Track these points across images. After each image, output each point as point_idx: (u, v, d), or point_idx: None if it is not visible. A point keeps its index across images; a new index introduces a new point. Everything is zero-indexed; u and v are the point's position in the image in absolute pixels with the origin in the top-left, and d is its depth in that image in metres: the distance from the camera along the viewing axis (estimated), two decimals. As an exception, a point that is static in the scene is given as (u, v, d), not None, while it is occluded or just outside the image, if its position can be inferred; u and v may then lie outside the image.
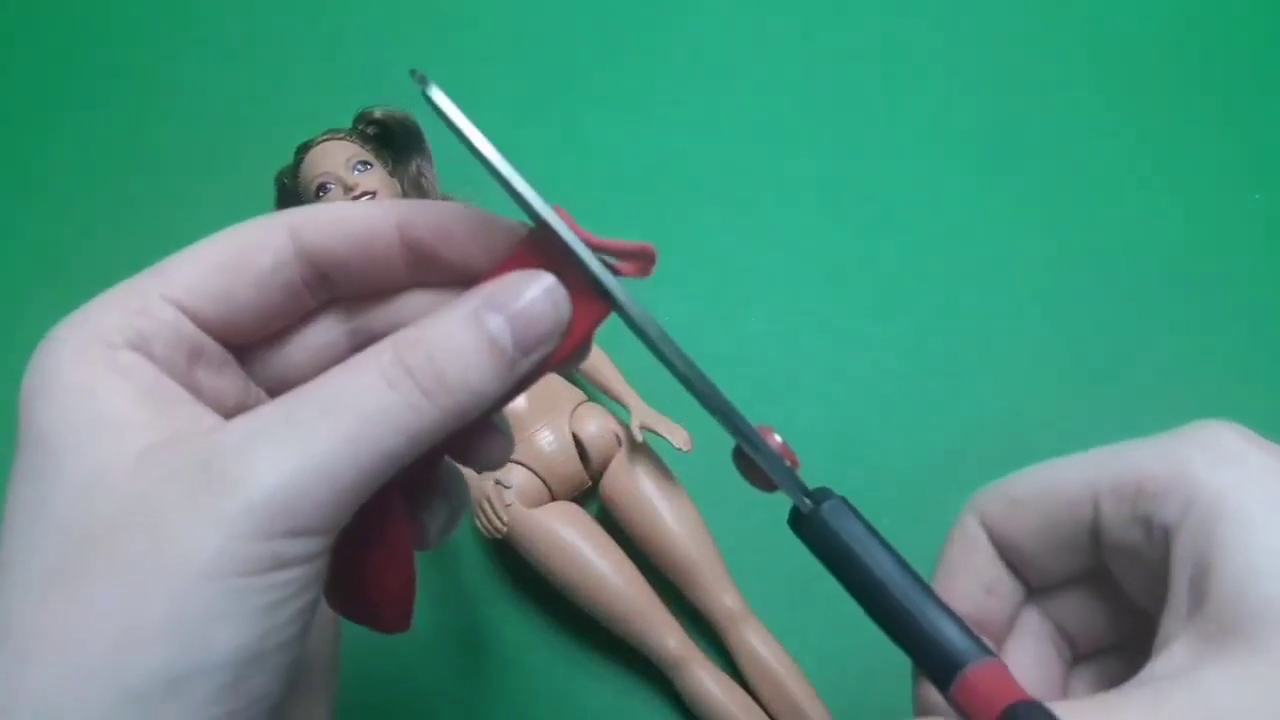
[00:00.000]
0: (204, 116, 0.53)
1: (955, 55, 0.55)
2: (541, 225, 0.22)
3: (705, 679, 0.38)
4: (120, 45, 0.56)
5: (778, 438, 0.25)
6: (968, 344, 0.47)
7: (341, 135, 0.45)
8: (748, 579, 0.40)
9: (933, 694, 0.24)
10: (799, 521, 0.25)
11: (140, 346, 0.22)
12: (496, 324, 0.21)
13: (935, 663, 0.22)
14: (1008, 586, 0.26)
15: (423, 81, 0.22)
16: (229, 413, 0.23)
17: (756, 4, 0.57)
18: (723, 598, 0.40)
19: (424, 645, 0.41)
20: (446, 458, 0.26)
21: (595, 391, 0.43)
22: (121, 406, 0.21)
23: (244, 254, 0.23)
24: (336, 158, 0.44)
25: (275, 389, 0.25)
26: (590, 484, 0.42)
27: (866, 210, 0.51)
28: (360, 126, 0.46)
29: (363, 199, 0.43)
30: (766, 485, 0.25)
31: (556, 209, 0.22)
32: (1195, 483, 0.22)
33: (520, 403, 0.42)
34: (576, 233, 0.22)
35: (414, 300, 0.25)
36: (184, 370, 0.22)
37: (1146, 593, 0.23)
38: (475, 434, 0.25)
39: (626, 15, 0.56)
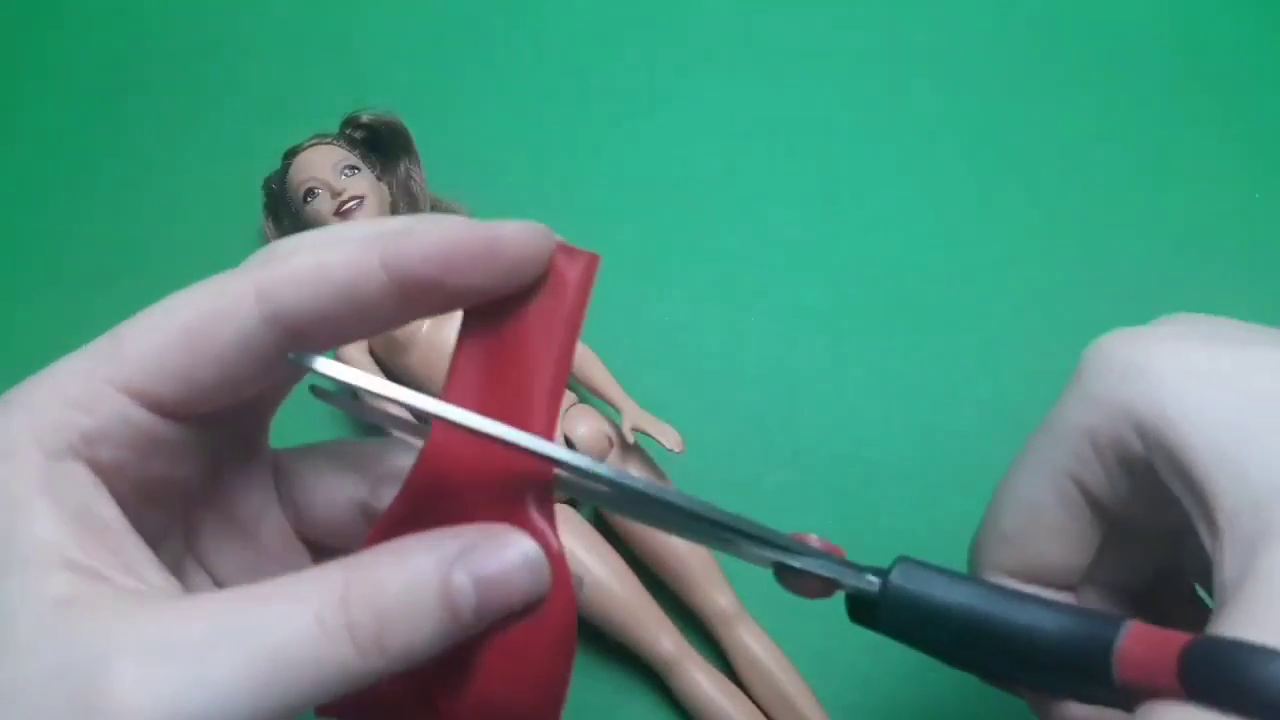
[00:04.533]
0: (191, 122, 0.53)
1: (956, 55, 0.55)
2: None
3: (701, 679, 0.38)
4: (110, 50, 0.56)
5: (815, 539, 0.24)
6: (968, 344, 0.47)
7: (329, 140, 0.45)
8: (742, 579, 0.40)
9: (1070, 710, 0.23)
10: (868, 608, 0.23)
11: (83, 451, 0.20)
12: (462, 585, 0.19)
13: (1079, 664, 0.21)
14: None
15: (298, 359, 0.20)
16: (190, 495, 0.22)
17: (757, 4, 0.56)
18: (717, 598, 0.39)
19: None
20: None
21: (586, 393, 0.43)
22: (48, 541, 0.18)
23: (204, 327, 0.20)
24: (324, 162, 0.44)
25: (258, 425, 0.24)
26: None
27: (866, 210, 0.50)
28: (347, 131, 0.46)
29: (350, 204, 0.43)
30: (820, 591, 0.23)
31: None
32: (1134, 409, 0.22)
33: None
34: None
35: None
36: (136, 468, 0.21)
37: (1169, 518, 0.23)
38: None
39: (626, 15, 0.56)
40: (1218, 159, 0.51)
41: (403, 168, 0.46)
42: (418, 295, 0.20)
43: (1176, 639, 0.20)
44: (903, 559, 0.23)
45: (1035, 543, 0.25)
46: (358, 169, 0.44)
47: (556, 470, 0.21)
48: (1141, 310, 0.47)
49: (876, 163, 0.52)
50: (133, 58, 0.56)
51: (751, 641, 0.39)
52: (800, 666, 0.38)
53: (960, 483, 0.43)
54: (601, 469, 0.21)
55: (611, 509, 0.22)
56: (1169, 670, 0.19)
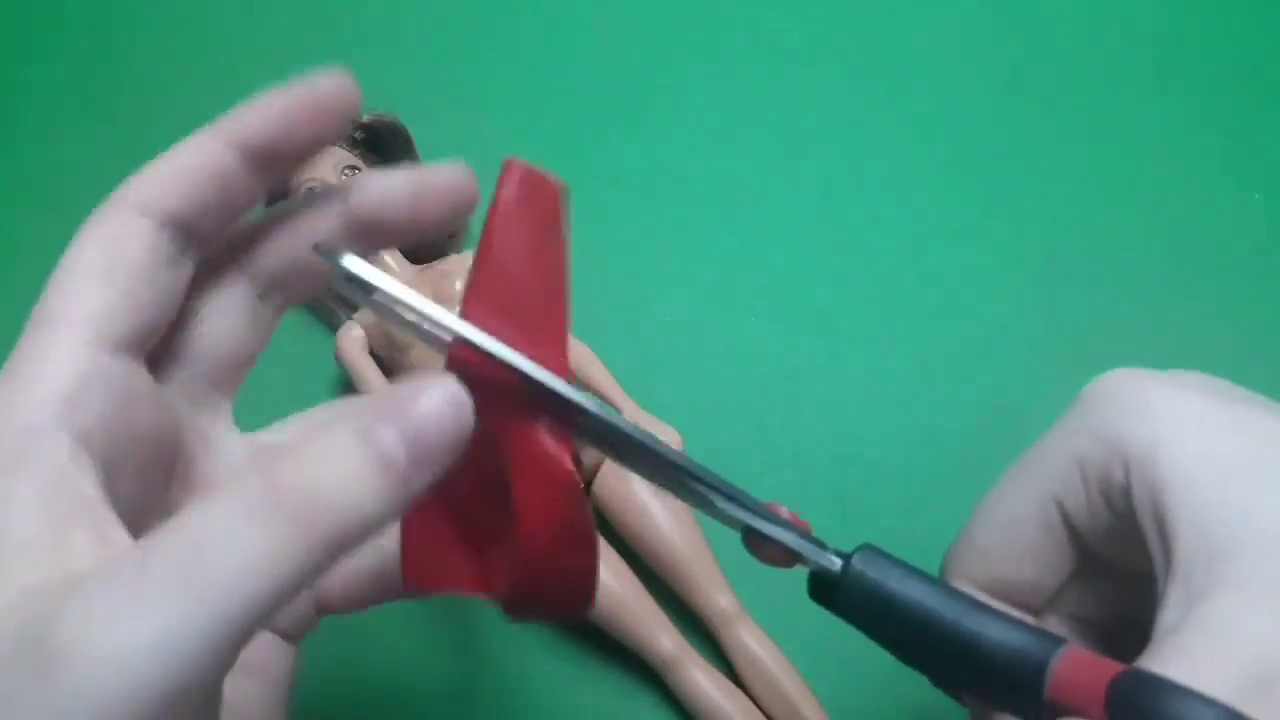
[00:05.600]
0: (191, 122, 0.53)
1: (955, 55, 0.55)
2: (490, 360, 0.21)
3: (701, 679, 0.38)
4: (109, 51, 0.56)
5: (785, 511, 0.24)
6: (968, 344, 0.47)
7: (329, 139, 0.45)
8: (742, 579, 0.40)
9: None
10: (828, 587, 0.24)
11: (66, 418, 0.20)
12: (388, 437, 0.18)
13: (1014, 676, 0.22)
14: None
15: (330, 255, 0.21)
16: (166, 455, 0.22)
17: (757, 4, 0.56)
18: (717, 598, 0.39)
19: (420, 647, 0.40)
20: None
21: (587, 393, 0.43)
22: (14, 528, 0.19)
23: (116, 254, 0.22)
24: (324, 163, 0.44)
25: (218, 376, 0.24)
26: (582, 487, 0.41)
27: (866, 210, 0.50)
28: (348, 131, 0.46)
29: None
30: (784, 561, 0.24)
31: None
32: (1122, 444, 0.22)
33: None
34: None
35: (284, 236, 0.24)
36: (120, 421, 0.21)
37: (1140, 558, 0.23)
38: None
39: (626, 15, 0.56)
40: (1217, 159, 0.51)
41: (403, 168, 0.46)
42: (267, 160, 0.23)
43: (1110, 668, 0.20)
44: (868, 546, 0.24)
45: (1009, 559, 0.25)
46: (358, 169, 0.44)
47: (574, 400, 0.22)
48: (1141, 310, 0.48)
49: (876, 163, 0.52)
50: (132, 58, 0.56)
51: (751, 641, 0.39)
52: (800, 666, 0.38)
53: (960, 483, 0.43)
54: (590, 404, 0.21)
55: (595, 446, 0.23)
56: (1097, 697, 0.20)
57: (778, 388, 0.46)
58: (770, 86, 0.54)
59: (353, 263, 0.21)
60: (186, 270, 0.23)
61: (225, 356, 0.25)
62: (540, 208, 0.23)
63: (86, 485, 0.20)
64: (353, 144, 0.46)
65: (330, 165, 0.44)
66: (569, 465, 0.22)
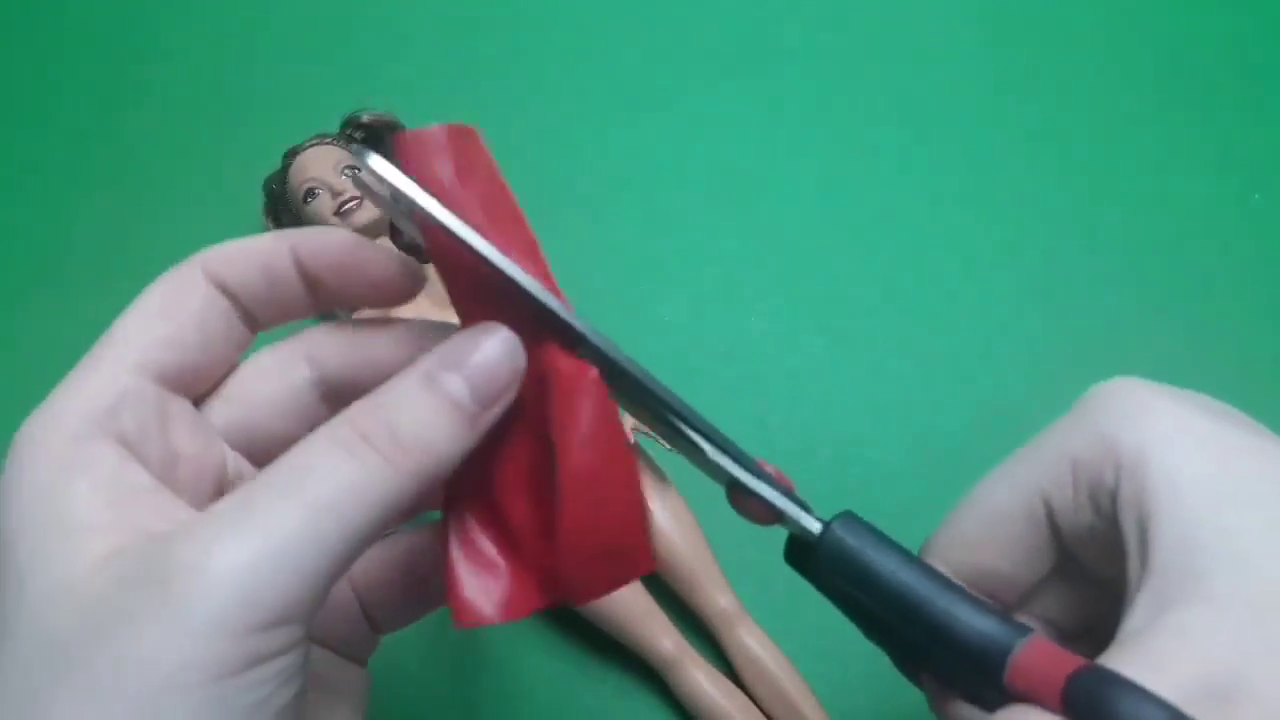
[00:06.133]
0: (191, 122, 0.53)
1: (956, 56, 0.55)
2: (507, 282, 0.22)
3: (701, 679, 0.38)
4: (110, 51, 0.56)
5: (770, 467, 0.24)
6: (968, 344, 0.47)
7: (329, 140, 0.45)
8: (742, 579, 0.40)
9: (963, 711, 0.24)
10: (804, 550, 0.24)
11: (108, 426, 0.21)
12: (453, 383, 0.21)
13: (977, 657, 0.22)
14: None
15: (360, 154, 0.22)
16: (211, 476, 0.23)
17: (757, 4, 0.56)
18: (718, 599, 0.39)
19: (421, 646, 0.40)
20: None
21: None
22: (81, 508, 0.20)
23: (176, 299, 0.23)
24: (325, 162, 0.44)
25: (255, 455, 0.25)
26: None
27: (866, 210, 0.50)
28: (348, 131, 0.46)
29: (351, 204, 0.43)
30: (766, 518, 0.24)
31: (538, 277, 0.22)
32: (1118, 447, 0.23)
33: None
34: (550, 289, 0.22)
35: (372, 341, 0.25)
36: (159, 436, 0.22)
37: (1114, 566, 0.23)
38: None
39: (626, 15, 0.56)
40: (1217, 160, 0.51)
41: (403, 168, 0.46)
42: (314, 285, 0.24)
43: (1071, 661, 0.20)
44: (849, 513, 0.24)
45: (988, 547, 0.25)
46: (357, 170, 0.44)
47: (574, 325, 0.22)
48: (1141, 310, 0.48)
49: (876, 163, 0.52)
50: (133, 58, 0.56)
51: (751, 641, 0.39)
52: (800, 666, 0.38)
53: (960, 483, 0.43)
54: (587, 330, 0.22)
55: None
56: (1055, 688, 0.20)
57: (778, 388, 0.46)
58: (770, 87, 0.54)
59: (375, 162, 0.22)
60: (241, 333, 0.24)
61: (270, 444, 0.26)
62: (475, 152, 0.23)
63: (141, 476, 0.21)
64: (352, 143, 0.46)
65: (330, 165, 0.44)
66: (595, 373, 0.22)
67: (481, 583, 0.23)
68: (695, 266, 0.49)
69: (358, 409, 0.21)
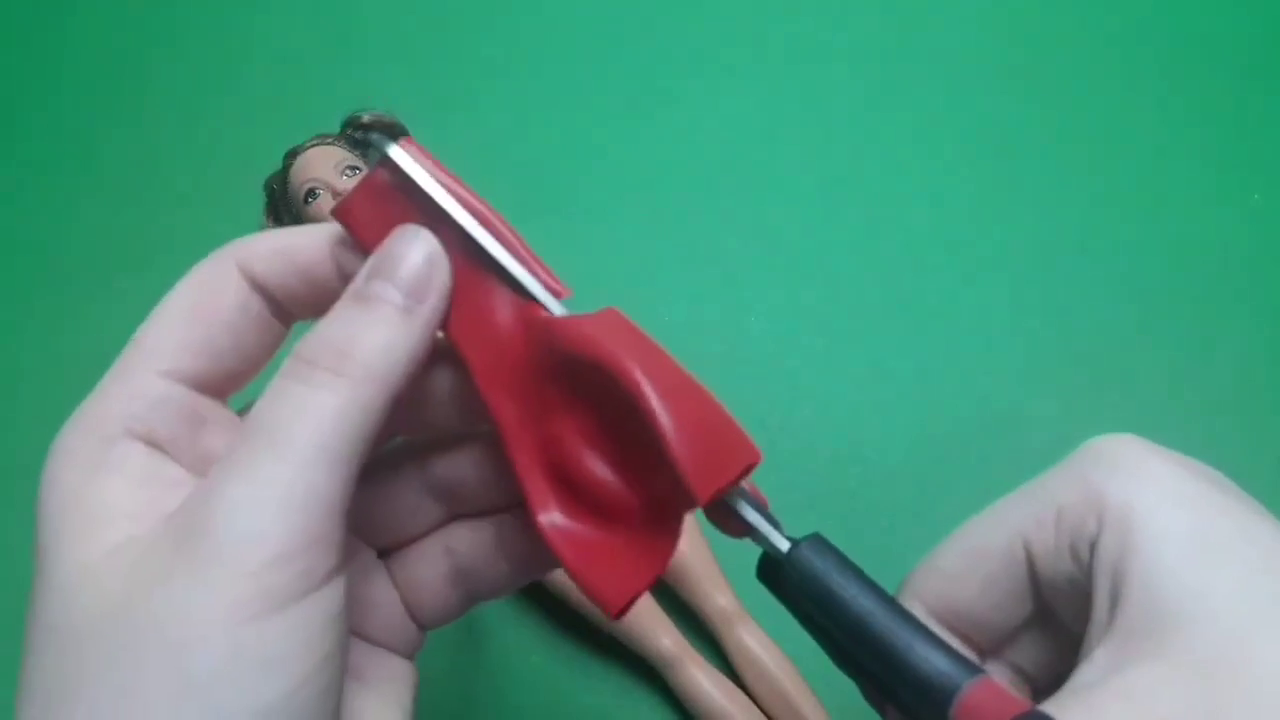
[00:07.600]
0: (191, 122, 0.53)
1: (954, 54, 0.55)
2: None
3: (701, 678, 0.38)
4: (110, 51, 0.56)
5: (745, 482, 0.24)
6: (967, 344, 0.47)
7: (330, 140, 0.45)
8: (742, 579, 0.39)
9: None
10: (774, 567, 0.24)
11: (140, 431, 0.22)
12: (377, 286, 0.22)
13: (926, 692, 0.22)
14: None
15: (380, 143, 0.23)
16: None
17: (757, 4, 0.56)
18: (717, 598, 0.39)
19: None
20: None
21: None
22: (110, 502, 0.21)
23: (207, 301, 0.23)
24: (325, 163, 0.44)
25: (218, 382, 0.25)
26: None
27: (865, 210, 0.50)
28: (348, 131, 0.46)
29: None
30: (737, 530, 0.24)
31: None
32: (1105, 499, 0.23)
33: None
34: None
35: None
36: (190, 441, 0.23)
37: (1082, 620, 0.24)
38: None
39: (627, 15, 0.56)
40: (1217, 160, 0.51)
41: (403, 168, 0.46)
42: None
43: (1016, 705, 0.20)
44: (818, 535, 0.24)
45: (967, 584, 0.25)
46: (359, 169, 0.44)
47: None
48: (1141, 310, 0.48)
49: (876, 163, 0.52)
50: (133, 58, 0.56)
51: (751, 641, 0.39)
52: (800, 666, 0.39)
53: (959, 483, 0.43)
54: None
55: None
56: None
57: (778, 388, 0.46)
58: (771, 88, 0.54)
59: (395, 152, 0.23)
60: (275, 331, 0.25)
61: None
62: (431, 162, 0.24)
63: (173, 470, 0.22)
64: (352, 144, 0.46)
65: (331, 165, 0.44)
66: (617, 310, 0.24)
67: (604, 571, 0.23)
68: (695, 266, 0.49)
69: (302, 343, 0.22)
